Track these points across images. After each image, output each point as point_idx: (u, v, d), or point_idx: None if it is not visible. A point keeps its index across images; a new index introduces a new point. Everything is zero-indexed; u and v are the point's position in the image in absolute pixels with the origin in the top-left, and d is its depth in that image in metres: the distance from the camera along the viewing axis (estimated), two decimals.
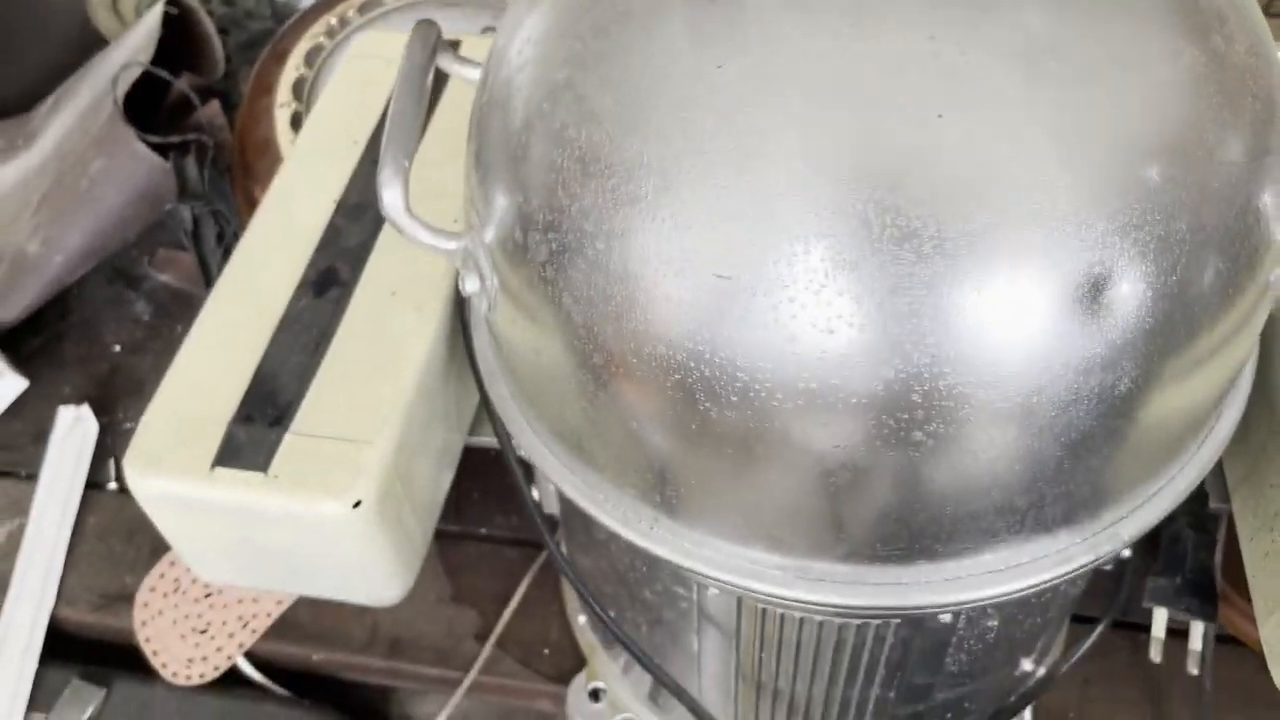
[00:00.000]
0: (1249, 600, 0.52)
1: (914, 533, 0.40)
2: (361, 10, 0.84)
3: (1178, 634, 0.61)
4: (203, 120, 0.82)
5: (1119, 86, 0.34)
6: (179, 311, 0.93)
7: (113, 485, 0.81)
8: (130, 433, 0.85)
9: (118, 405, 0.87)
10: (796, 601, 0.42)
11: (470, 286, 0.44)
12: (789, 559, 0.42)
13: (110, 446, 0.84)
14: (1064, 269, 0.34)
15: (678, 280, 0.36)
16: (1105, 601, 0.60)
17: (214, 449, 0.47)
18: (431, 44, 0.48)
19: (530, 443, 0.48)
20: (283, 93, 0.79)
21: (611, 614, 0.59)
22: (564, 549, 0.63)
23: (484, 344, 0.50)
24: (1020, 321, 0.35)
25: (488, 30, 0.88)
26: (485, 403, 0.50)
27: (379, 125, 0.60)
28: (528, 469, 0.52)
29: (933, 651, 0.50)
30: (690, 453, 0.40)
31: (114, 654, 0.75)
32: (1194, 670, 0.58)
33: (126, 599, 0.75)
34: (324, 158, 0.59)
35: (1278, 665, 0.49)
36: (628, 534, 0.44)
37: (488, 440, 0.58)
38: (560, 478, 0.46)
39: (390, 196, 0.43)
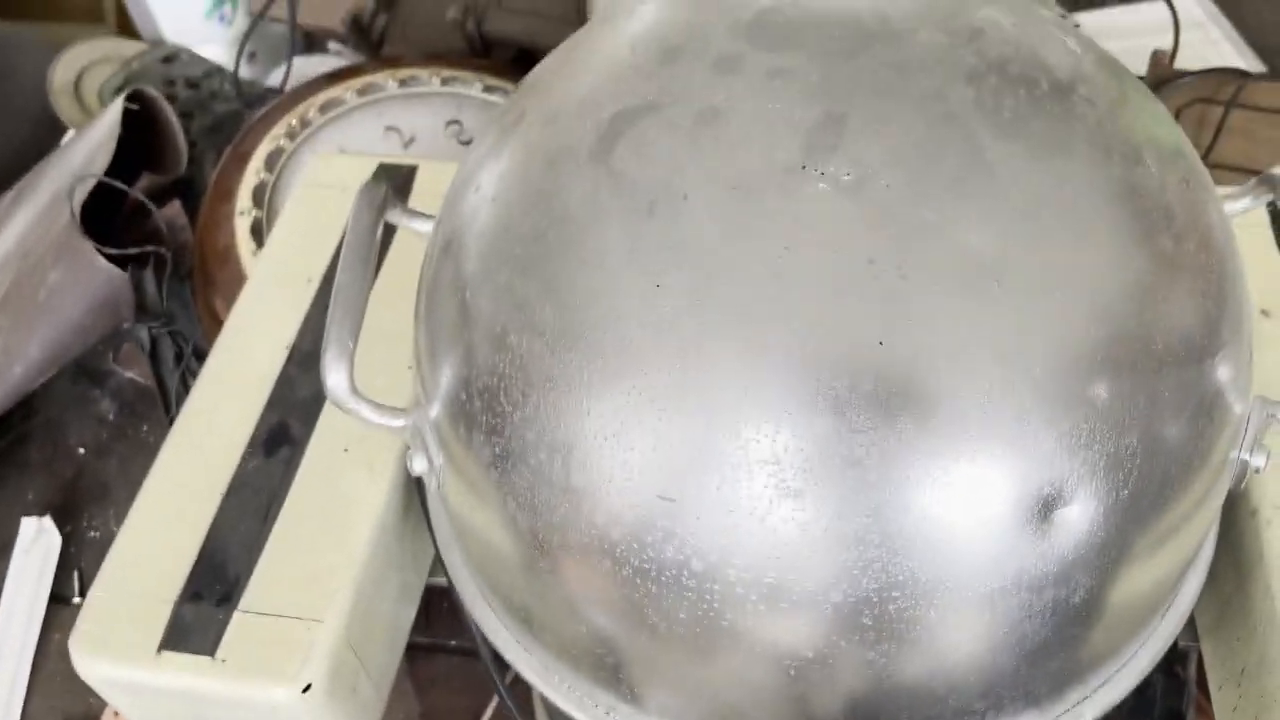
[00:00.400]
0: None
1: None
2: (323, 109, 0.83)
3: None
4: (161, 226, 0.81)
5: (1063, 304, 0.34)
6: (145, 410, 0.92)
7: (77, 600, 0.80)
8: (95, 542, 0.85)
9: (82, 512, 0.85)
10: None
11: (418, 467, 0.43)
12: None
13: (75, 557, 0.82)
14: (1012, 491, 0.34)
15: (621, 499, 0.35)
16: None
17: (160, 631, 0.46)
18: (379, 204, 0.47)
19: (484, 615, 0.47)
20: (243, 199, 0.78)
21: None
22: None
23: (438, 510, 0.49)
24: (969, 544, 0.34)
25: (452, 124, 0.87)
26: (442, 567, 0.50)
27: (333, 262, 0.59)
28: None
29: None
30: (642, 652, 0.39)
31: None
32: None
33: None
34: (277, 298, 0.58)
35: None
36: (579, 716, 0.43)
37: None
38: (515, 656, 0.45)
39: (334, 380, 0.42)
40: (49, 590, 0.79)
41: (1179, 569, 0.41)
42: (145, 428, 0.91)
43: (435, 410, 0.42)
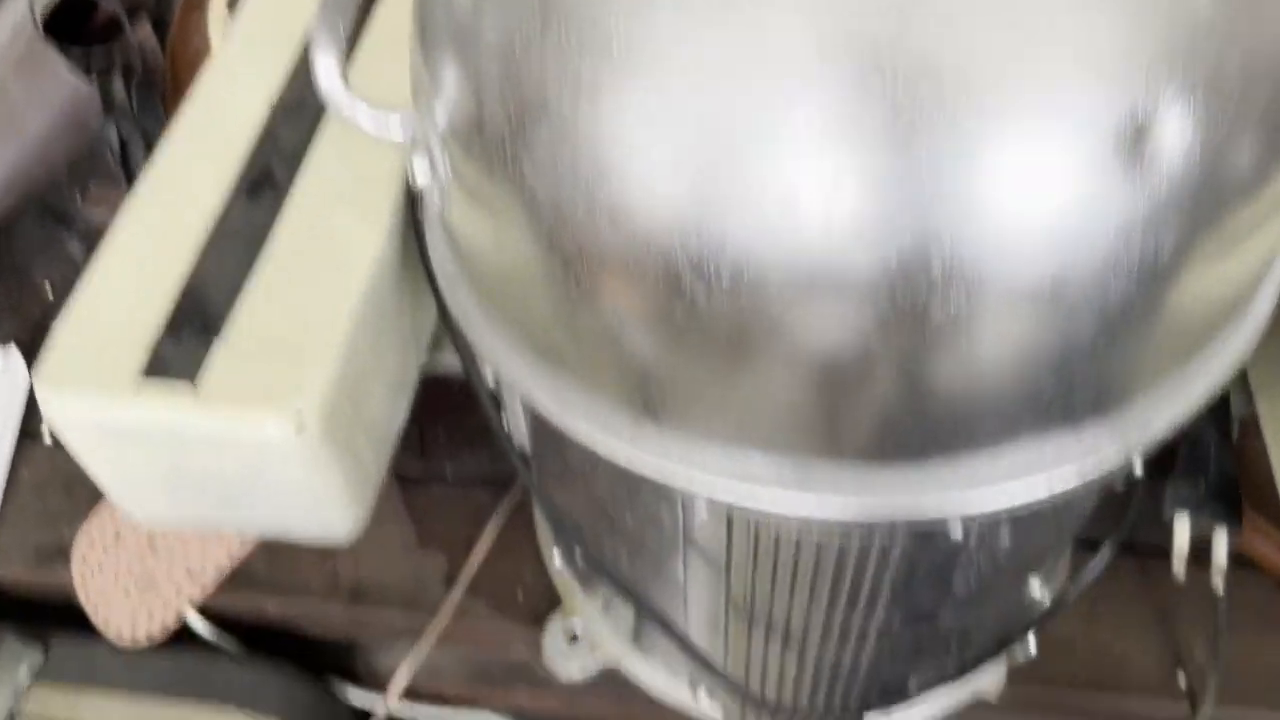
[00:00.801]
0: (1268, 519, 0.49)
1: (928, 428, 0.35)
2: None
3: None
4: (132, 43, 0.76)
5: None
6: None
7: (49, 441, 0.76)
8: None
9: None
10: (796, 512, 0.38)
11: (421, 177, 0.39)
12: (788, 462, 0.37)
13: None
14: (1102, 114, 0.30)
15: (656, 144, 0.31)
16: (1111, 525, 0.56)
17: (139, 362, 0.42)
18: None
19: (495, 352, 0.43)
20: (217, 4, 0.73)
21: (589, 549, 0.55)
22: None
23: (440, 246, 0.45)
24: (1053, 178, 0.30)
25: None
26: (442, 313, 0.45)
27: None
28: (494, 395, 0.48)
29: (939, 571, 0.46)
30: (675, 346, 0.35)
31: (53, 613, 0.70)
32: (1219, 587, 0.55)
33: (64, 554, 0.70)
34: (258, 52, 0.53)
35: None
36: (607, 443, 0.39)
37: (450, 362, 0.54)
38: (529, 388, 0.42)
39: (325, 69, 0.38)
40: (19, 420, 0.75)
41: (1261, 260, 0.37)
42: None
43: (440, 111, 0.38)
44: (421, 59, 0.39)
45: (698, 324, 0.34)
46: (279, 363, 0.42)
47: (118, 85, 0.70)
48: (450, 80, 0.36)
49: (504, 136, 0.35)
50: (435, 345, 0.54)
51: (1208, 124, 0.31)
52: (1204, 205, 0.32)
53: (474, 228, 0.40)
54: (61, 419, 0.42)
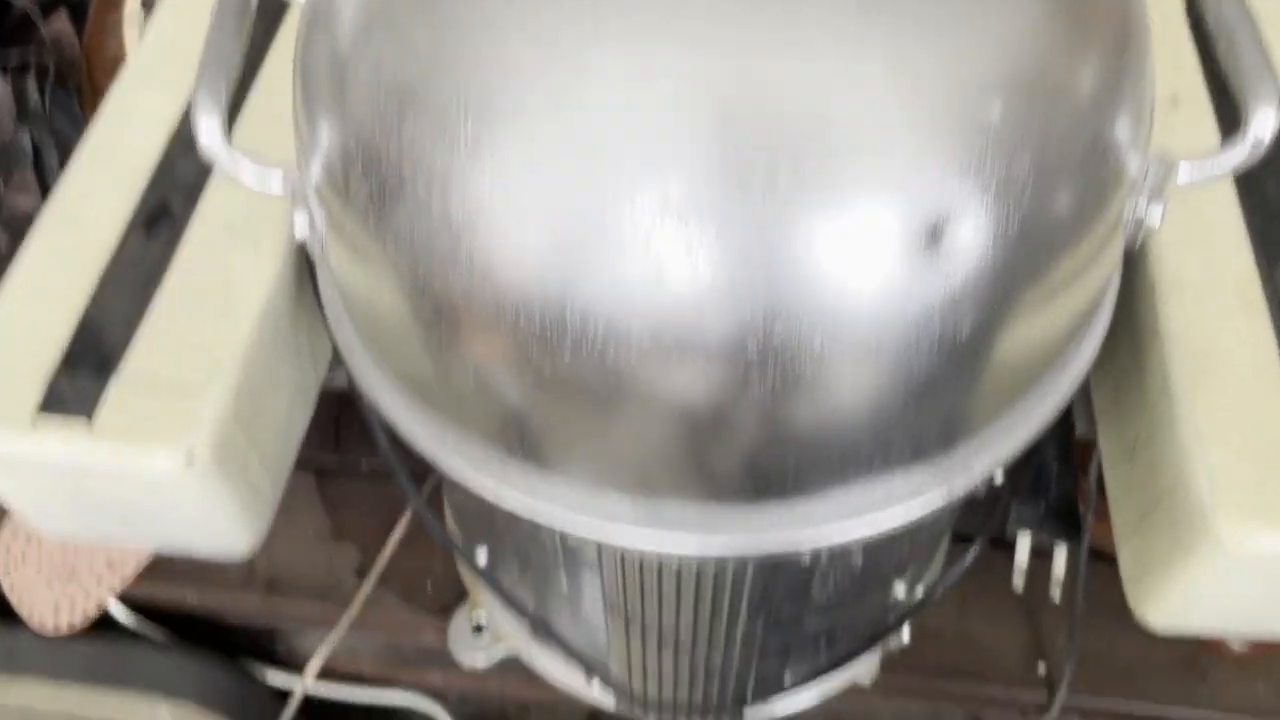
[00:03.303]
0: None
1: (760, 476, 0.39)
2: None
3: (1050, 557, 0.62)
4: (46, 38, 0.76)
5: (959, 20, 0.33)
6: None
7: None
8: None
9: None
10: (650, 547, 0.41)
11: (300, 228, 0.42)
12: (640, 503, 0.41)
13: None
14: (900, 214, 0.33)
15: (501, 227, 0.34)
16: (984, 520, 0.60)
17: (35, 398, 0.44)
18: None
19: (375, 388, 0.46)
20: (131, 4, 0.74)
21: (485, 552, 0.58)
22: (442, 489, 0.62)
23: (328, 284, 0.48)
24: (856, 268, 0.33)
25: None
26: (334, 345, 0.48)
27: None
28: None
29: (796, 586, 0.50)
30: (530, 401, 0.38)
31: None
32: (1056, 597, 0.59)
33: None
34: (158, 83, 0.55)
35: (1132, 587, 0.50)
36: (478, 480, 0.43)
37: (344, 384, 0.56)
38: (408, 426, 0.44)
39: (207, 127, 0.39)
40: None
41: (1070, 322, 0.41)
42: None
43: (315, 168, 0.40)
44: (300, 116, 0.41)
45: (546, 384, 0.37)
46: (171, 398, 0.44)
47: (30, 85, 0.71)
48: (323, 146, 0.39)
49: (367, 207, 0.37)
50: (337, 361, 0.56)
51: (999, 222, 0.34)
52: (1000, 291, 0.35)
53: (348, 277, 0.42)
54: None
